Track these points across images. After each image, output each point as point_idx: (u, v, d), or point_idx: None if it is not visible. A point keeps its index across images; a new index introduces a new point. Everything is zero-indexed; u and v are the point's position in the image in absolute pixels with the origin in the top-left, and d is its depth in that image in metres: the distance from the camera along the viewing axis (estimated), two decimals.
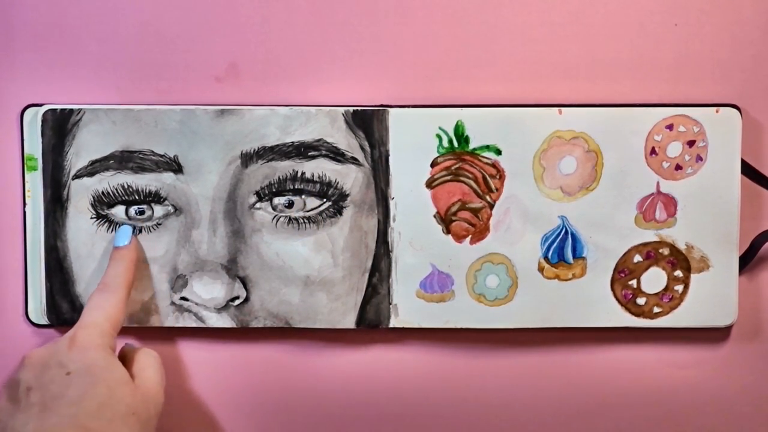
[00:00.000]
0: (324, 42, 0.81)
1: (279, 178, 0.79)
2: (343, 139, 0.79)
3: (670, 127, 0.78)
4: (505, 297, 0.80)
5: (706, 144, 0.78)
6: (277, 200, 0.79)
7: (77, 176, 0.80)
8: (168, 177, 0.80)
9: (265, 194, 0.79)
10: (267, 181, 0.79)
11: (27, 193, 0.81)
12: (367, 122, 0.79)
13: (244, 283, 0.80)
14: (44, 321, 0.82)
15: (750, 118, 0.80)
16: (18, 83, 0.81)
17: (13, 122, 0.81)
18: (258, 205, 0.80)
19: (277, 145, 0.79)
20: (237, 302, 0.81)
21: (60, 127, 0.79)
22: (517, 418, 0.84)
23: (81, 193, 0.80)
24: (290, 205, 0.79)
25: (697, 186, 0.78)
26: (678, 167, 0.78)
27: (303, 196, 0.79)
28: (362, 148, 0.79)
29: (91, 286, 0.81)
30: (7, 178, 0.82)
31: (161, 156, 0.79)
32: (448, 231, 0.80)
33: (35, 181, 0.80)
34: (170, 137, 0.79)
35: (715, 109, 0.78)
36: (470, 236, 0.80)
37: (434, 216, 0.80)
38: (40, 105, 0.80)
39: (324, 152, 0.79)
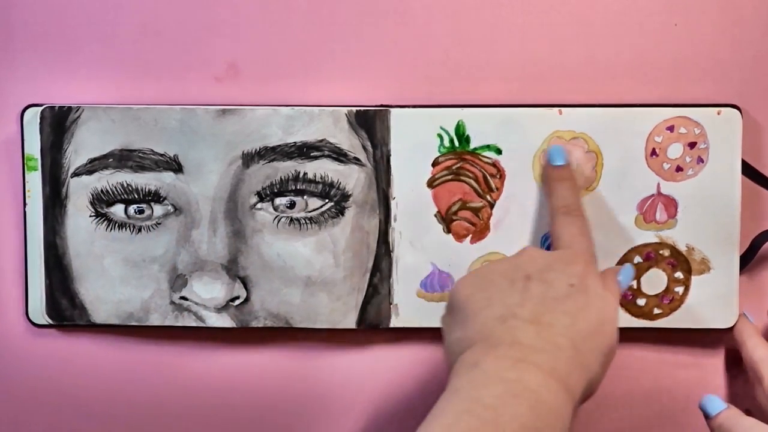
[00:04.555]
0: (324, 42, 0.81)
1: (281, 178, 0.79)
2: (346, 139, 0.79)
3: (670, 128, 0.78)
4: None
5: (707, 146, 0.78)
6: (278, 201, 0.79)
7: (76, 174, 0.80)
8: (168, 176, 0.80)
9: (267, 195, 0.79)
10: (268, 181, 0.79)
11: (27, 194, 0.81)
12: (370, 122, 0.79)
13: (245, 283, 0.80)
14: (44, 321, 0.82)
15: (750, 118, 0.80)
16: (18, 83, 0.81)
17: (13, 122, 0.81)
18: (259, 205, 0.80)
19: (279, 145, 0.79)
20: (237, 302, 0.81)
21: (59, 124, 0.79)
22: None
23: (80, 191, 0.80)
24: (292, 205, 0.79)
25: (697, 188, 0.78)
26: (679, 169, 0.78)
27: (305, 197, 0.79)
28: (364, 148, 0.79)
29: (91, 283, 0.81)
30: (7, 178, 0.82)
31: (161, 155, 0.79)
32: (448, 230, 0.80)
33: (35, 182, 0.80)
34: (170, 136, 0.79)
35: (716, 110, 0.78)
36: (471, 235, 0.80)
37: (435, 215, 0.80)
38: (40, 105, 0.79)
39: (327, 152, 0.79)
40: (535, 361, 0.62)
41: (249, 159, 0.79)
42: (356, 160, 0.79)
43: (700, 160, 0.78)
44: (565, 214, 0.73)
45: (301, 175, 0.79)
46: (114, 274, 0.81)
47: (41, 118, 0.79)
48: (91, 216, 0.81)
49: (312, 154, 0.79)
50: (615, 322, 0.67)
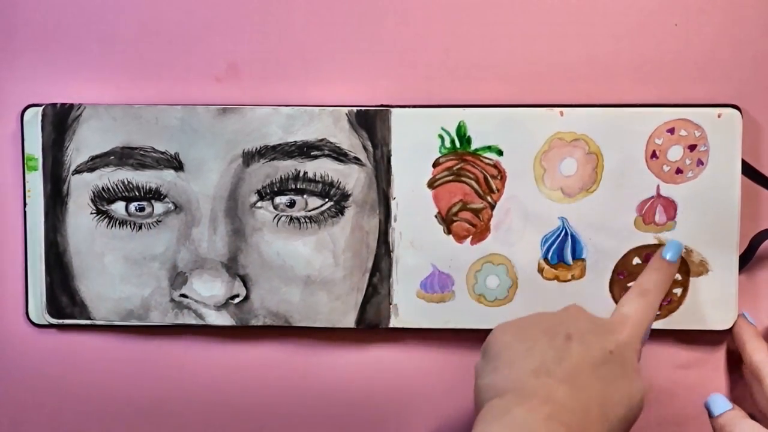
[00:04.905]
0: (324, 42, 0.81)
1: (281, 177, 0.79)
2: (346, 139, 0.79)
3: (671, 130, 0.78)
4: (504, 297, 0.80)
5: (708, 148, 0.78)
6: (278, 200, 0.80)
7: (77, 171, 0.80)
8: (168, 174, 0.80)
9: (267, 193, 0.79)
10: (269, 180, 0.79)
11: (27, 194, 0.81)
12: (370, 122, 0.79)
13: (244, 281, 0.81)
14: (44, 321, 0.82)
15: (750, 118, 0.80)
16: (18, 83, 0.81)
17: (14, 122, 0.81)
18: (259, 204, 0.80)
19: (280, 145, 0.79)
20: (237, 300, 0.81)
21: (60, 122, 0.79)
22: None
23: (81, 189, 0.80)
24: (292, 204, 0.80)
25: (697, 190, 0.78)
26: (678, 171, 0.78)
27: (305, 196, 0.79)
28: (365, 147, 0.79)
29: (91, 281, 0.81)
30: (7, 178, 0.82)
31: (162, 153, 0.79)
32: (449, 231, 0.80)
33: (35, 181, 0.80)
34: (171, 134, 0.79)
35: (717, 113, 0.78)
36: (471, 237, 0.80)
37: (435, 216, 0.80)
38: (41, 105, 0.80)
39: (327, 152, 0.79)
40: (563, 419, 0.63)
41: (249, 158, 0.79)
42: (356, 160, 0.79)
43: (700, 163, 0.78)
44: (640, 294, 0.73)
45: (301, 174, 0.79)
46: (114, 271, 0.81)
47: (43, 116, 0.79)
48: (92, 213, 0.81)
49: (312, 153, 0.79)
50: (642, 400, 0.68)
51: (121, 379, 0.84)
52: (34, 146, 0.80)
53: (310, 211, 0.80)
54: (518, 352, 0.67)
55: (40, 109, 0.79)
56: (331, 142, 0.79)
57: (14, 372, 0.85)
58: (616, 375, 0.67)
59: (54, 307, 0.82)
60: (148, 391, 0.84)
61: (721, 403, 0.75)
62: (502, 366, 0.67)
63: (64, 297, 0.82)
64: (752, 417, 0.78)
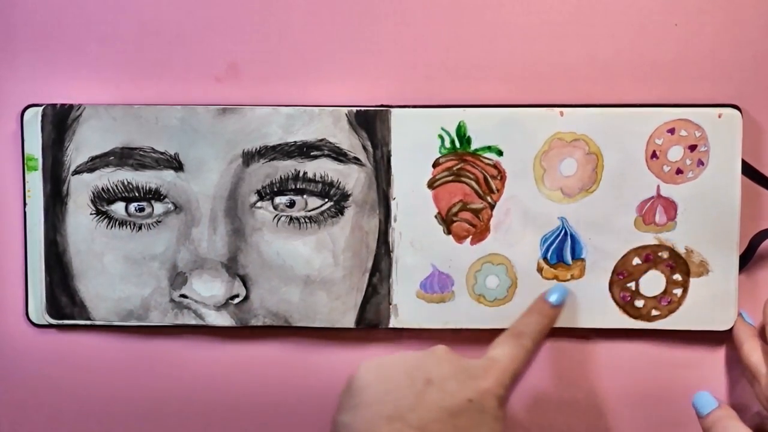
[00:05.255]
0: (324, 42, 0.81)
1: (281, 177, 0.79)
2: (346, 139, 0.79)
3: (671, 131, 0.78)
4: (504, 297, 0.80)
5: (708, 149, 0.78)
6: (278, 200, 0.80)
7: (77, 172, 0.80)
8: (168, 174, 0.80)
9: (267, 193, 0.79)
10: (268, 180, 0.79)
11: (27, 194, 0.81)
12: (370, 122, 0.79)
13: (244, 281, 0.81)
14: (44, 321, 0.82)
15: (750, 118, 0.80)
16: (18, 83, 0.81)
17: (14, 122, 0.81)
18: (259, 204, 0.80)
19: (279, 145, 0.79)
20: (236, 300, 0.81)
21: (60, 122, 0.79)
22: (516, 417, 0.84)
23: (81, 189, 0.80)
24: (292, 204, 0.80)
25: (697, 190, 0.78)
26: (679, 171, 0.78)
27: (305, 196, 0.79)
28: (364, 148, 0.79)
29: (91, 280, 0.81)
30: (7, 178, 0.82)
31: (162, 153, 0.79)
32: (448, 231, 0.80)
33: (35, 181, 0.80)
34: (171, 135, 0.79)
35: (717, 113, 0.78)
36: (471, 237, 0.80)
37: (435, 216, 0.80)
38: (41, 105, 0.80)
39: (326, 152, 0.79)
40: None
41: (249, 158, 0.79)
42: (356, 160, 0.79)
43: (701, 163, 0.78)
44: (515, 336, 0.72)
45: (301, 174, 0.79)
46: (114, 271, 0.81)
47: (43, 116, 0.79)
48: (91, 214, 0.81)
49: (312, 153, 0.79)
50: None
51: (120, 379, 0.84)
52: (34, 146, 0.80)
53: (309, 211, 0.80)
54: (377, 394, 0.66)
55: (40, 109, 0.79)
56: (330, 142, 0.79)
57: (14, 372, 0.85)
58: (474, 424, 0.66)
59: (54, 307, 0.82)
60: (148, 391, 0.84)
61: (707, 402, 0.75)
62: (360, 406, 0.66)
63: (63, 297, 0.82)
64: (757, 415, 0.79)
